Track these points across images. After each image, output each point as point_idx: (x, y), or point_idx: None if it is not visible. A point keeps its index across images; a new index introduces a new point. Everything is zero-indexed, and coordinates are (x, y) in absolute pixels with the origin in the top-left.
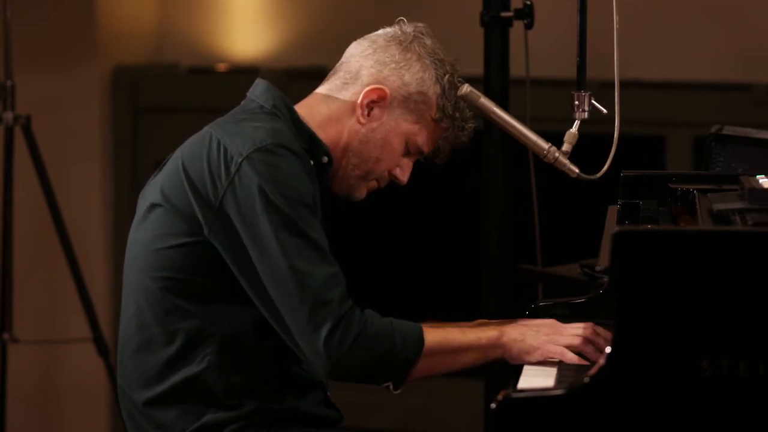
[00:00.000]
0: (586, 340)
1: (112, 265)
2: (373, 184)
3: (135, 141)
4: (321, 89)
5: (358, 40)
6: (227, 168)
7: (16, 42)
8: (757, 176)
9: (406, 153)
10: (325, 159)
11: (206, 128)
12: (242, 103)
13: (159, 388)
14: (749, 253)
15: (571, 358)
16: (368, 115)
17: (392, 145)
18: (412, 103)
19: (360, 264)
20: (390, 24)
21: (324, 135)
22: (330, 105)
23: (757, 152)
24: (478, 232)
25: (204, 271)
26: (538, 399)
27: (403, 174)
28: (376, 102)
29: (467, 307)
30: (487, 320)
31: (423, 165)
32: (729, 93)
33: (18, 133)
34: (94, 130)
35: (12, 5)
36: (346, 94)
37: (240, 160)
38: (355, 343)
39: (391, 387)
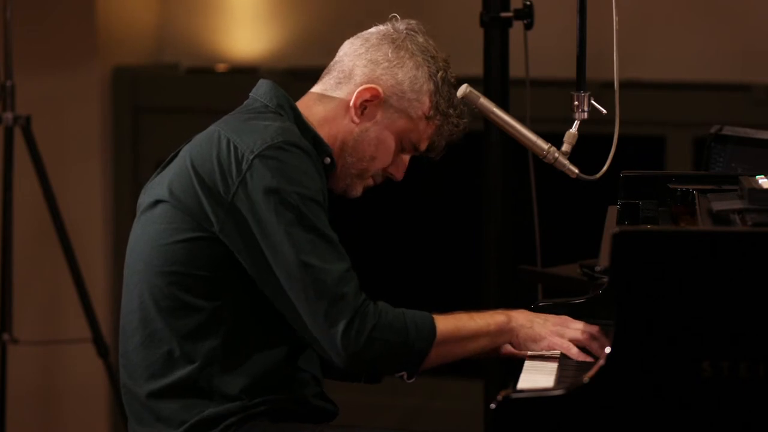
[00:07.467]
0: (592, 337)
1: (112, 265)
2: (369, 181)
3: (135, 141)
4: (316, 88)
5: (351, 39)
6: (238, 165)
7: (16, 42)
8: (757, 176)
9: (401, 150)
10: (328, 160)
11: (212, 127)
12: (245, 102)
13: (163, 381)
14: (749, 253)
15: (575, 353)
16: (362, 114)
17: (386, 144)
18: (405, 101)
19: (360, 264)
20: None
21: (323, 134)
22: (326, 104)
23: (757, 152)
24: (478, 232)
25: (207, 266)
26: (537, 399)
27: (398, 171)
28: (370, 101)
29: (468, 307)
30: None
31: (423, 166)
32: (729, 93)
33: (18, 133)
34: (94, 130)
35: (12, 5)
36: (341, 93)
37: (251, 157)
38: (371, 336)
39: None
